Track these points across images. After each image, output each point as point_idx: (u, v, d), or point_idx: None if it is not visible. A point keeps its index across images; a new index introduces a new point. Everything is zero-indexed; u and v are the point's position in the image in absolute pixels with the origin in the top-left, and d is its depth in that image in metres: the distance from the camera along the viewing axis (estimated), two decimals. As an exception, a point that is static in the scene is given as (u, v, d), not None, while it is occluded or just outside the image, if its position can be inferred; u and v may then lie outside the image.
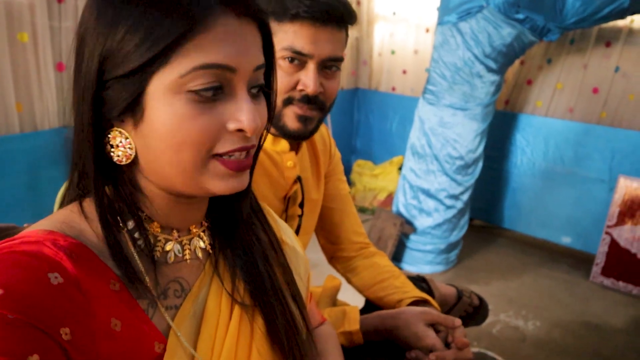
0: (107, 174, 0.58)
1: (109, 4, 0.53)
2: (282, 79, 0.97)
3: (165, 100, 0.53)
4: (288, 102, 1.00)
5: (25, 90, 2.03)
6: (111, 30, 0.52)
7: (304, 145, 1.16)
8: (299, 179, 1.12)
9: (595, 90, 2.96)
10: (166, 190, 0.59)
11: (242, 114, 0.55)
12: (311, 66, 0.97)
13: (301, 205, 1.15)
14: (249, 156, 0.59)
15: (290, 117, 1.01)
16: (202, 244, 0.65)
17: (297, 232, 1.15)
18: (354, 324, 1.03)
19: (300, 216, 1.15)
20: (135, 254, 0.58)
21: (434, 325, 1.01)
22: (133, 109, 0.54)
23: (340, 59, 1.01)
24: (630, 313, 2.56)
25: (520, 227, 3.29)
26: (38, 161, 2.08)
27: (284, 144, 1.07)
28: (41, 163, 2.09)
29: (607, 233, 2.80)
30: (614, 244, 2.79)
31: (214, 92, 0.54)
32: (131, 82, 0.52)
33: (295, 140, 1.07)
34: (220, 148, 0.55)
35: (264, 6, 0.98)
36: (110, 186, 0.58)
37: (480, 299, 1.35)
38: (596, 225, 2.90)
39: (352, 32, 1.05)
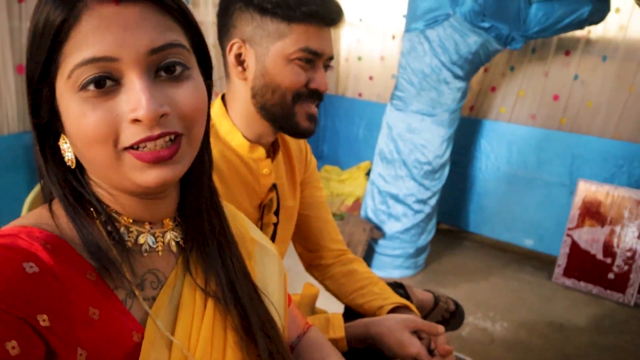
0: (71, 175, 0.59)
1: None
2: (293, 76, 0.98)
3: (67, 103, 0.53)
4: (297, 98, 1.00)
5: (-17, 94, 1.95)
6: (27, 43, 0.55)
7: (280, 152, 1.14)
8: (274, 187, 1.11)
9: (555, 97, 3.05)
10: (115, 188, 0.59)
11: (133, 102, 0.52)
12: (319, 65, 1.01)
13: (277, 213, 1.13)
14: (173, 145, 0.55)
15: (302, 117, 1.02)
16: (175, 238, 0.65)
17: (272, 240, 1.13)
18: (338, 331, 1.02)
19: (276, 224, 1.14)
20: (110, 245, 0.57)
21: (416, 332, 1.01)
22: (55, 115, 0.55)
23: (333, 58, 1.06)
24: (592, 312, 2.65)
25: (485, 230, 3.36)
26: (-4, 168, 1.99)
27: (260, 151, 1.06)
28: (0, 169, 2.01)
29: (568, 235, 2.89)
30: (574, 246, 2.88)
31: (96, 84, 0.51)
32: (45, 89, 0.54)
33: (304, 137, 1.08)
34: (125, 141, 0.53)
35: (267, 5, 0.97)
36: (75, 185, 0.59)
37: (456, 304, 1.36)
38: (557, 227, 2.99)
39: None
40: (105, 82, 0.52)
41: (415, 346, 0.96)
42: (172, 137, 0.55)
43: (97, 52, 0.50)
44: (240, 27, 0.99)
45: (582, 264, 2.85)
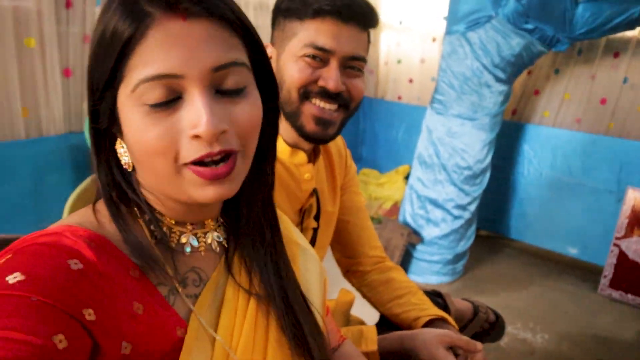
0: (121, 176, 0.60)
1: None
2: (302, 72, 0.96)
3: (128, 113, 0.54)
4: (305, 96, 0.97)
5: (32, 96, 2.01)
6: (91, 49, 0.56)
7: (321, 157, 1.14)
8: (315, 192, 1.10)
9: (603, 101, 2.94)
10: (166, 196, 0.60)
11: (195, 119, 0.52)
12: (333, 63, 0.96)
13: (317, 218, 1.12)
14: (229, 162, 0.56)
15: (307, 118, 0.98)
16: (217, 237, 0.66)
17: (312, 245, 1.12)
18: (371, 344, 1.00)
19: (316, 229, 1.13)
20: (152, 243, 0.59)
21: (452, 348, 0.98)
22: (114, 121, 0.56)
23: (362, 59, 0.99)
24: (639, 326, 2.53)
25: (527, 237, 3.26)
26: (43, 167, 2.06)
27: (301, 156, 1.05)
28: (46, 169, 2.07)
29: (615, 245, 2.77)
30: (622, 256, 2.76)
31: (165, 104, 0.52)
32: (107, 97, 0.55)
33: (315, 143, 1.04)
34: (187, 156, 0.54)
35: (282, 4, 0.98)
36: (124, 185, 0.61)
37: (497, 315, 1.32)
38: (604, 236, 2.88)
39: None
40: (176, 99, 0.53)
41: None
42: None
43: (162, 69, 0.51)
44: (273, 33, 1.04)
45: (630, 276, 2.73)
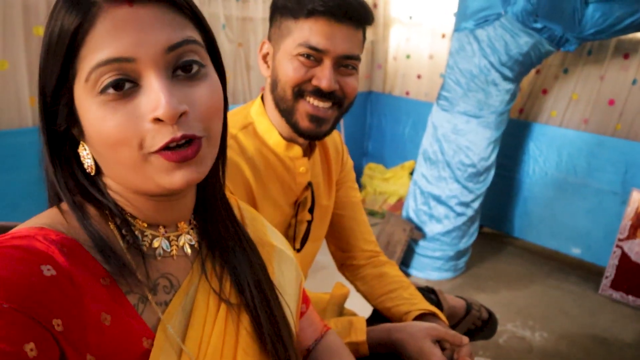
0: (87, 181, 0.59)
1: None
2: (296, 71, 0.98)
3: (86, 107, 0.53)
4: (299, 94, 0.99)
5: (41, 85, 2.04)
6: (41, 53, 0.55)
7: (317, 151, 1.16)
8: (310, 185, 1.12)
9: (611, 102, 2.92)
10: (134, 191, 0.58)
11: (153, 102, 0.51)
12: (327, 62, 0.98)
13: (311, 211, 1.14)
14: (192, 145, 0.54)
15: (301, 115, 1.01)
16: (190, 241, 0.65)
17: (305, 238, 1.15)
18: (360, 334, 1.02)
19: (310, 222, 1.15)
20: (124, 248, 0.57)
21: (440, 341, 1.00)
22: (74, 121, 0.55)
23: (356, 58, 1.01)
24: (639, 328, 2.53)
25: (530, 236, 3.26)
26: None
27: (296, 150, 1.07)
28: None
29: (618, 246, 2.77)
30: (624, 258, 2.75)
31: (115, 87, 0.51)
32: (63, 97, 0.54)
33: (309, 139, 1.06)
34: (152, 144, 0.52)
35: (279, 2, 1.00)
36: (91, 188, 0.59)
37: (490, 313, 1.33)
38: (607, 237, 2.87)
39: (368, 35, 1.06)
40: (123, 84, 0.52)
41: (436, 356, 0.94)
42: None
43: (113, 53, 0.51)
44: (270, 30, 1.06)
45: (631, 277, 2.72)
